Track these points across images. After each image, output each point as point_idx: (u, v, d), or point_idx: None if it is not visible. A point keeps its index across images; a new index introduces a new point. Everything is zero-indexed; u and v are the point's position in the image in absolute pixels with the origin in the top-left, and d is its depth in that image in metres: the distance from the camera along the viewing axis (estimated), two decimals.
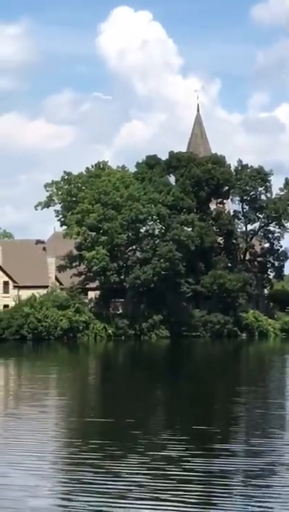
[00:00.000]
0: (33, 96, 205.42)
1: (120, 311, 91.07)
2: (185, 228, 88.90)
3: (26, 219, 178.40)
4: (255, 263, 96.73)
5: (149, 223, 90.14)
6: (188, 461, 18.31)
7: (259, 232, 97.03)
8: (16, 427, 23.82)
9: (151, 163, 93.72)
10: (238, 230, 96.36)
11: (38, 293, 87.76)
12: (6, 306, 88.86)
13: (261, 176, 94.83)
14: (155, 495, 15.17)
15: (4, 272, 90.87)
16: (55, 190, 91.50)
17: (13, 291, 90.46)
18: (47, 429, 23.46)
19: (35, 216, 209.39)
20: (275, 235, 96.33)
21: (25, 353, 69.66)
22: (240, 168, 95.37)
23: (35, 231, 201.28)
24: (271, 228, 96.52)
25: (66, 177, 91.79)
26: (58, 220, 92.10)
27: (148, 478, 16.53)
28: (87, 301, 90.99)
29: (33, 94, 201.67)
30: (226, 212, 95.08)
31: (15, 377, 46.56)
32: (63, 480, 16.48)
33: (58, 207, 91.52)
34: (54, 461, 18.41)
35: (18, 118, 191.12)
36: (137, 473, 17.02)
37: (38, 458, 18.38)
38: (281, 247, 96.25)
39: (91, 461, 18.10)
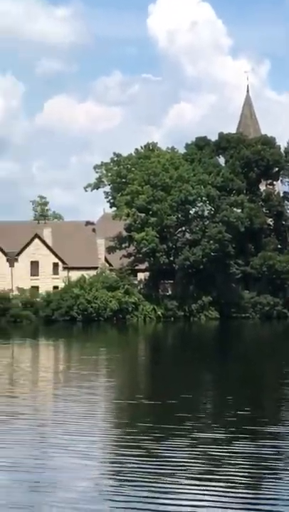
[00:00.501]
0: (82, 78, 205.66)
1: (169, 292, 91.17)
2: (234, 209, 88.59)
3: (76, 200, 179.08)
4: None
5: (199, 204, 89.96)
6: (234, 444, 18.32)
7: None
8: (64, 408, 24.04)
9: (200, 144, 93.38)
10: (288, 211, 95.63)
11: (88, 274, 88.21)
12: (55, 287, 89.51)
13: None
14: (200, 476, 15.23)
15: (54, 253, 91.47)
16: (104, 171, 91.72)
17: (62, 273, 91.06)
18: (94, 410, 23.64)
19: (84, 198, 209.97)
20: None
21: (74, 334, 70.15)
22: None
23: (84, 212, 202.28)
24: None
25: (116, 158, 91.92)
26: (108, 202, 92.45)
27: (193, 460, 16.59)
28: (136, 282, 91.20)
29: (83, 76, 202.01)
30: (275, 193, 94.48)
31: (64, 358, 46.95)
32: (109, 461, 16.62)
33: (108, 188, 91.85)
34: (101, 443, 18.55)
35: (67, 100, 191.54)
36: (182, 456, 17.09)
37: (84, 440, 18.54)
38: None
39: (136, 443, 18.21)
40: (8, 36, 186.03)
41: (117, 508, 13.01)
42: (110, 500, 13.42)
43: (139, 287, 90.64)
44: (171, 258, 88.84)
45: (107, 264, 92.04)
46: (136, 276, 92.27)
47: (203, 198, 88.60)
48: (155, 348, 55.20)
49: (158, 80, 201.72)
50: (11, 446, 17.69)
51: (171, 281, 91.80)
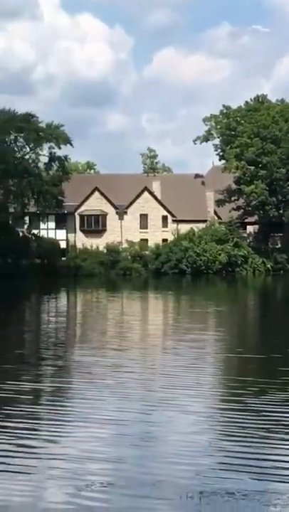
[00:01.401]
0: (191, 30, 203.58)
1: (279, 245, 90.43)
2: None
3: (185, 153, 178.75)
4: None
5: None
6: None
7: None
8: (168, 361, 24.30)
9: None
10: None
11: (197, 227, 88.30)
12: (164, 240, 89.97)
13: None
14: None
15: (163, 206, 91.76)
16: (213, 124, 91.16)
17: (172, 225, 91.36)
18: (198, 364, 23.79)
19: (194, 150, 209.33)
20: None
21: (183, 287, 70.53)
22: None
23: (193, 165, 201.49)
24: None
25: (225, 111, 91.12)
26: (217, 155, 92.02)
27: None
28: (245, 235, 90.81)
29: (192, 27, 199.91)
30: None
31: (172, 311, 47.33)
32: (208, 416, 16.75)
33: (217, 141, 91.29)
34: (201, 397, 18.69)
35: (177, 52, 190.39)
36: (282, 410, 17.09)
37: (185, 393, 18.73)
38: None
39: (237, 397, 18.29)
40: None
41: (216, 463, 13.17)
42: (210, 455, 13.58)
43: (248, 240, 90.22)
44: (281, 211, 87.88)
45: (216, 217, 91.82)
46: (245, 229, 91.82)
47: None
48: (264, 302, 54.97)
49: (267, 31, 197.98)
50: (114, 401, 18.06)
51: (281, 235, 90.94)
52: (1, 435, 14.57)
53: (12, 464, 12.72)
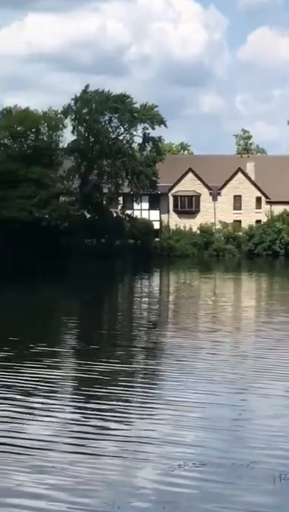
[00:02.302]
0: (286, 10, 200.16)
1: None
2: None
3: (279, 135, 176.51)
4: None
5: None
6: None
7: None
8: (259, 344, 24.22)
9: None
10: None
11: None
12: (258, 221, 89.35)
13: None
14: None
15: (257, 187, 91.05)
16: None
17: (265, 207, 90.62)
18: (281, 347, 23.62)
19: (288, 131, 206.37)
20: None
21: (277, 269, 70.01)
22: None
23: (288, 147, 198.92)
24: None
25: None
26: None
27: None
28: None
29: (287, 7, 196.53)
30: None
31: (265, 293, 47.03)
32: None
33: None
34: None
35: (271, 32, 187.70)
36: None
37: (279, 379, 18.61)
38: None
39: None
40: None
41: None
42: None
43: None
44: None
45: None
46: None
47: None
48: None
49: None
50: (201, 383, 18.07)
51: None
52: (88, 417, 14.71)
53: (99, 447, 12.82)
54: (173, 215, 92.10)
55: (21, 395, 16.29)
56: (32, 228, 68.25)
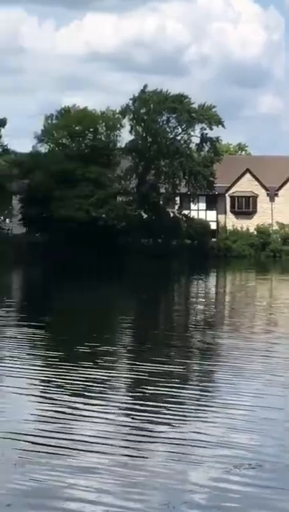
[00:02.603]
0: None
1: None
2: None
3: None
4: None
5: None
6: None
7: None
8: None
9: None
10: None
11: None
12: None
13: None
14: None
15: None
16: None
17: None
18: None
19: None
20: None
21: None
22: None
23: None
24: None
25: None
26: None
27: None
28: None
29: None
30: None
31: None
32: None
33: None
34: None
35: None
36: None
37: None
38: None
39: None
40: None
41: None
42: None
43: None
44: None
45: None
46: None
47: None
48: None
49: None
50: (254, 386, 17.92)
51: None
52: (139, 418, 14.58)
53: (151, 449, 12.74)
54: (230, 216, 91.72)
55: (71, 395, 16.24)
56: (89, 228, 68.65)
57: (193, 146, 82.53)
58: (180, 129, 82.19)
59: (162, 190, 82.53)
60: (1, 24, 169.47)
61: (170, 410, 15.11)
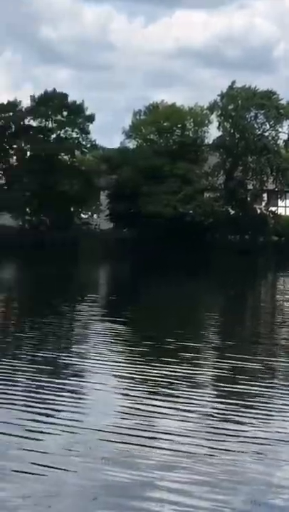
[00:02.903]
0: None
1: None
2: None
3: None
4: None
5: None
6: None
7: None
8: None
9: None
10: None
11: None
12: None
13: None
14: None
15: None
16: None
17: None
18: None
19: None
20: None
21: None
22: None
23: None
24: None
25: None
26: None
27: None
28: None
29: None
30: None
31: None
32: None
33: None
34: None
35: None
36: None
37: None
38: None
39: None
40: None
41: None
42: None
43: None
44: None
45: None
46: None
47: None
48: None
49: None
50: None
51: None
52: (224, 414, 14.54)
53: (236, 446, 12.62)
54: None
55: (154, 391, 16.27)
56: (177, 224, 68.74)
57: (281, 142, 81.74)
58: (268, 126, 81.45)
59: (250, 187, 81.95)
60: (91, 21, 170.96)
61: (254, 408, 15.04)
